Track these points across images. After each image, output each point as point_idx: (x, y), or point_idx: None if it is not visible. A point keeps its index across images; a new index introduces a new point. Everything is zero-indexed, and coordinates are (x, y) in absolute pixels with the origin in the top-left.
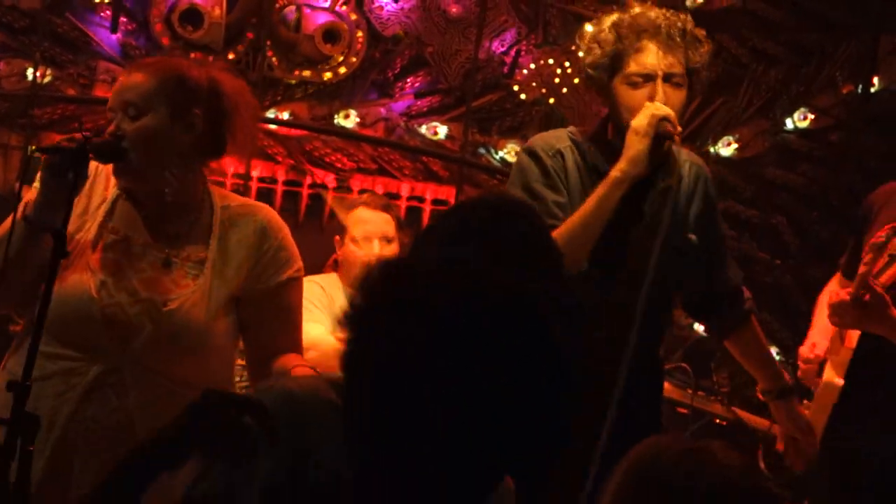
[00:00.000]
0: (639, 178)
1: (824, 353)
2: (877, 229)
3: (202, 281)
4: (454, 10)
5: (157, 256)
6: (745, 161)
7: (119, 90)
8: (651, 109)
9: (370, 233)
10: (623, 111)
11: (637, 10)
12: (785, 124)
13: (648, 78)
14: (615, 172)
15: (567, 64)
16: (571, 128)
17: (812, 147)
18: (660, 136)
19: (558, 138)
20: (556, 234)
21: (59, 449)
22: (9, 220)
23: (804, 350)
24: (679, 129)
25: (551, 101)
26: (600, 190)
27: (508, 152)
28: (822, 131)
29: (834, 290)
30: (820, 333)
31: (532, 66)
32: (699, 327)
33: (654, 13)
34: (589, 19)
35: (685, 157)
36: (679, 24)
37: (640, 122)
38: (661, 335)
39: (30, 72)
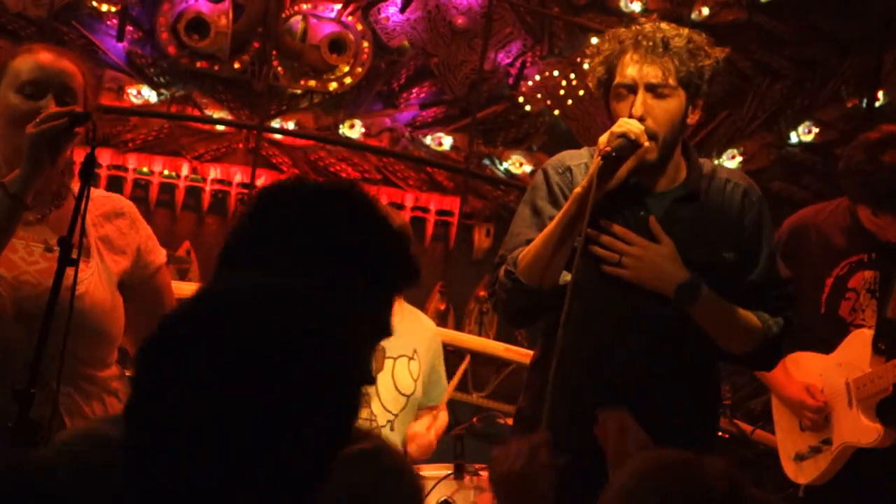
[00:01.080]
0: (602, 193)
1: (825, 395)
2: (823, 264)
3: (94, 264)
4: (460, 21)
5: (35, 245)
6: (750, 174)
7: (58, 73)
8: (614, 126)
9: None
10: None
11: (635, 24)
12: (789, 138)
13: (630, 89)
14: (577, 189)
15: (572, 76)
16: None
17: (816, 160)
18: (617, 150)
19: (573, 156)
20: (525, 249)
21: None
22: None
23: (806, 398)
24: (646, 142)
25: (556, 112)
26: (565, 205)
27: (513, 163)
28: (827, 145)
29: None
30: (787, 374)
31: (537, 77)
32: None
33: (645, 26)
34: (594, 31)
35: (734, 178)
36: (664, 34)
37: (602, 138)
38: (698, 361)
39: None
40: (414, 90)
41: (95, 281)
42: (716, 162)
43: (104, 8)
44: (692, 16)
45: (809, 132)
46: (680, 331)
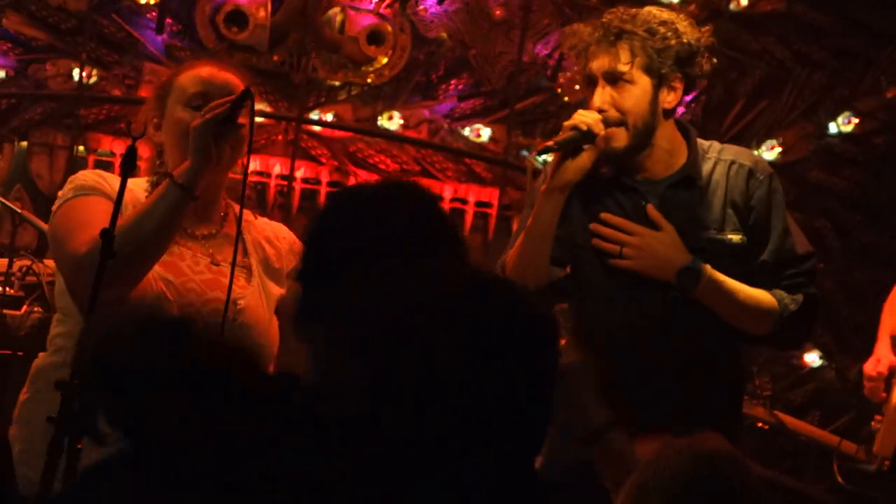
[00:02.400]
0: (567, 187)
1: (888, 369)
2: None
3: (255, 282)
4: (498, 12)
5: (202, 257)
6: (789, 165)
7: (220, 84)
8: (568, 122)
9: None
10: None
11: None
12: (829, 128)
13: (593, 81)
14: (543, 185)
15: None
16: None
17: (856, 151)
18: (559, 143)
19: None
20: (511, 250)
21: None
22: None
23: (868, 367)
24: (600, 130)
25: None
26: (536, 203)
27: (551, 155)
28: (866, 135)
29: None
30: (886, 347)
31: (575, 68)
32: None
33: (605, 15)
34: None
35: (740, 159)
36: (616, 22)
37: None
38: (716, 346)
39: (76, 72)
40: (452, 82)
41: (256, 299)
42: (756, 153)
43: (143, 0)
44: (731, 6)
45: (849, 122)
46: (693, 316)
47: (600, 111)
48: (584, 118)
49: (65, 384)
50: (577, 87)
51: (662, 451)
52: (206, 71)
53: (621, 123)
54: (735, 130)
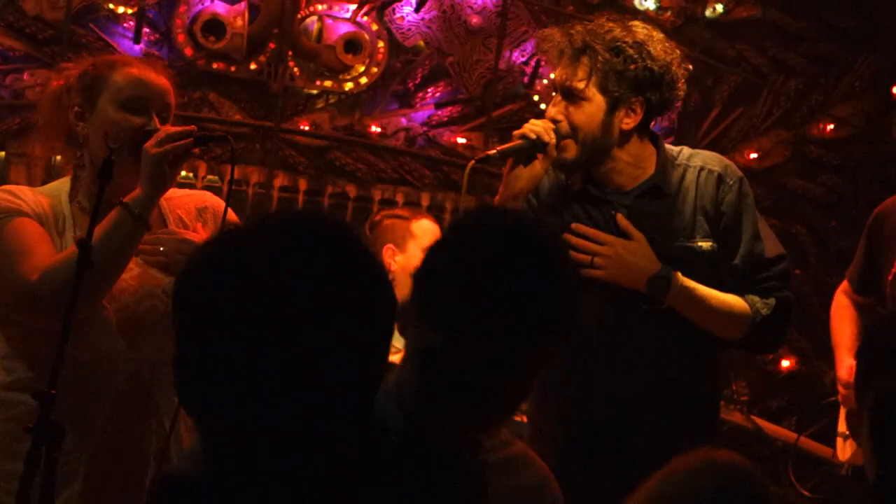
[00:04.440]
0: (521, 195)
1: None
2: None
3: None
4: (475, 20)
5: None
6: (765, 171)
7: (160, 92)
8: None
9: None
10: None
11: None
12: (805, 134)
13: (554, 90)
14: (497, 195)
15: None
16: None
17: (832, 157)
18: (502, 152)
19: None
20: None
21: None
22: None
23: (843, 373)
24: (549, 139)
25: None
26: None
27: None
28: (842, 141)
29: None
30: (849, 352)
31: (552, 76)
32: None
33: (577, 26)
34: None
35: (708, 165)
36: (583, 37)
37: None
38: (691, 356)
39: (54, 84)
40: (429, 89)
41: None
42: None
43: (121, 10)
44: (706, 12)
45: (825, 128)
46: (667, 326)
47: (554, 121)
48: (534, 127)
49: (42, 393)
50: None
51: (677, 467)
52: (144, 73)
53: (571, 136)
54: (711, 137)
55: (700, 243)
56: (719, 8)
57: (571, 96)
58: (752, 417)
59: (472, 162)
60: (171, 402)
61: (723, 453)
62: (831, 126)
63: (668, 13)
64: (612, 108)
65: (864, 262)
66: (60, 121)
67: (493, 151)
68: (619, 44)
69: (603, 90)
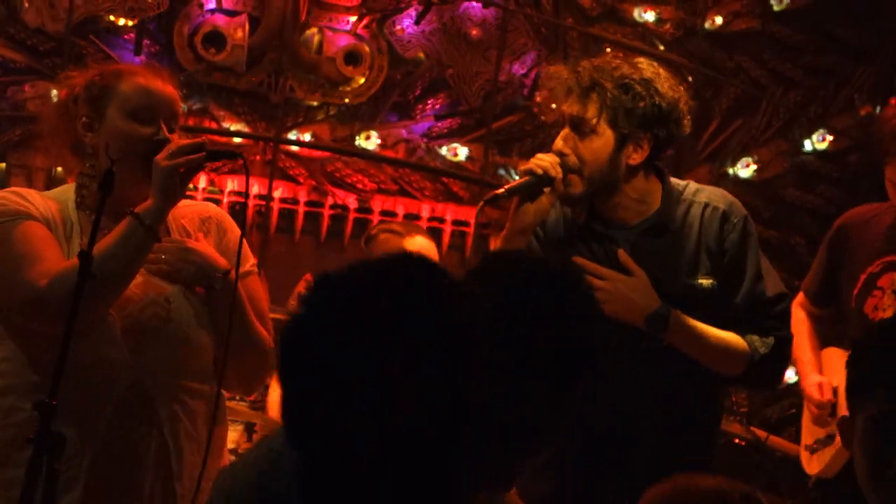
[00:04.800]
0: (529, 230)
1: (832, 392)
2: (861, 261)
3: None
4: (474, 32)
5: None
6: (764, 182)
7: (168, 101)
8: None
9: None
10: None
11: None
12: (803, 146)
13: (562, 123)
14: (504, 230)
15: None
16: None
17: (830, 168)
18: (510, 190)
19: None
20: None
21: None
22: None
23: (813, 393)
24: (556, 174)
25: None
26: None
27: None
28: (841, 153)
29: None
30: (813, 366)
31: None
32: None
33: (583, 63)
34: (608, 41)
35: (712, 201)
36: (592, 74)
37: None
38: (691, 390)
39: (54, 94)
40: (429, 101)
41: (179, 294)
42: (730, 171)
43: (121, 22)
44: (706, 24)
45: (823, 140)
46: (667, 360)
47: (560, 154)
48: (541, 161)
49: (42, 404)
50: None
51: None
52: (151, 82)
53: (577, 171)
54: (711, 148)
55: (702, 281)
56: (718, 20)
57: (582, 130)
58: (752, 429)
59: (481, 204)
60: (172, 411)
61: (703, 479)
62: (830, 137)
63: (668, 25)
64: (620, 143)
65: (823, 274)
66: (67, 131)
67: (502, 191)
68: (627, 81)
69: (613, 126)
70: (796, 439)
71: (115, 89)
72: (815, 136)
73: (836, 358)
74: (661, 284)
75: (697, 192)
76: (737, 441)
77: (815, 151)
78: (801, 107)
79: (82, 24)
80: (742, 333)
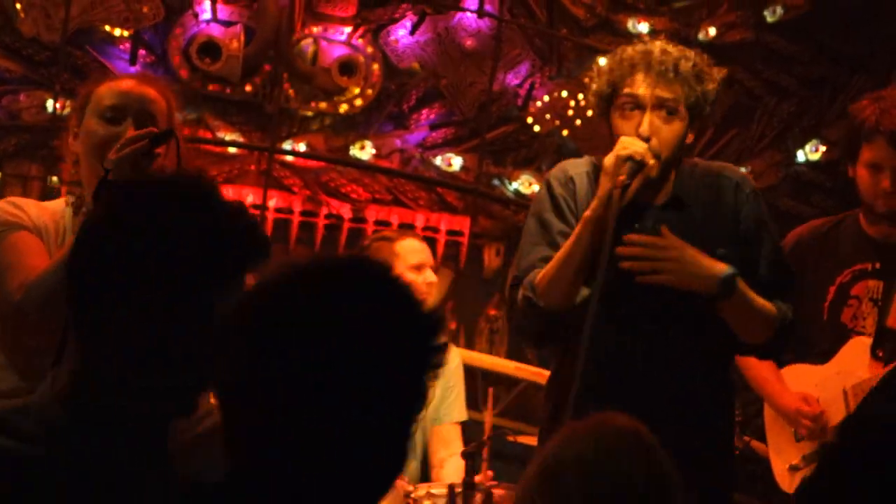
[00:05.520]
0: (613, 217)
1: (817, 402)
2: (829, 271)
3: None
4: (469, 43)
5: None
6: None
7: (137, 98)
8: (618, 148)
9: (424, 261)
10: (615, 140)
11: (642, 44)
12: (797, 156)
13: (637, 106)
14: (587, 212)
15: (581, 96)
16: (597, 156)
17: (824, 178)
18: (630, 177)
19: (575, 165)
20: (542, 273)
21: None
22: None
23: (804, 407)
24: (651, 161)
25: (565, 132)
26: (576, 229)
27: (522, 183)
28: (834, 163)
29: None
30: (783, 384)
31: (546, 98)
32: None
33: (653, 47)
34: (603, 53)
35: (725, 172)
36: (674, 58)
37: (608, 161)
38: (708, 359)
39: (50, 104)
40: (424, 111)
41: None
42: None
43: (117, 32)
44: (699, 36)
45: (817, 150)
46: (700, 327)
47: (646, 139)
48: (637, 148)
49: None
50: (549, 115)
51: (564, 434)
52: (125, 84)
53: (658, 155)
54: (705, 158)
55: (718, 250)
56: (712, 31)
57: (666, 112)
58: (745, 438)
59: (618, 192)
60: None
61: (611, 416)
62: (824, 148)
63: (662, 36)
64: (689, 126)
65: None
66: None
67: (624, 179)
68: (701, 68)
69: (690, 109)
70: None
71: (92, 95)
72: (808, 147)
73: (804, 372)
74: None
75: (708, 168)
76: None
77: (808, 162)
78: (794, 117)
79: (78, 34)
80: (769, 299)
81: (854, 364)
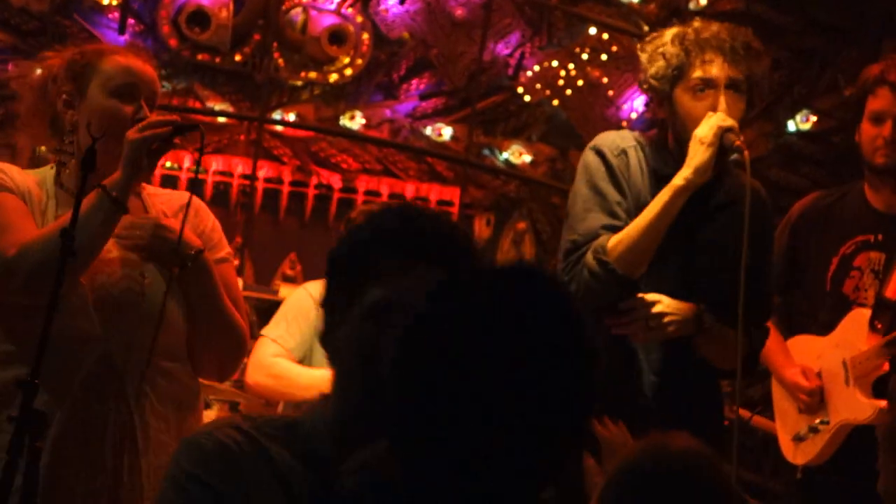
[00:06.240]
0: (700, 187)
1: (817, 377)
2: (832, 242)
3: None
4: (459, 12)
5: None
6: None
7: (149, 80)
8: (716, 120)
9: None
10: (686, 120)
11: (698, 23)
12: (787, 126)
13: (710, 86)
14: (679, 180)
15: (571, 66)
16: (637, 132)
17: (814, 149)
18: (724, 147)
19: (623, 137)
20: (618, 237)
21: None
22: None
23: (800, 380)
24: (742, 138)
25: (555, 102)
26: (663, 196)
27: (512, 153)
28: (825, 133)
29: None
30: (787, 356)
31: (536, 68)
32: None
33: (716, 27)
34: (592, 21)
35: (742, 178)
36: (741, 38)
37: (704, 131)
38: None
39: (38, 73)
40: (414, 81)
41: (155, 272)
42: None
43: (105, 1)
44: (690, 5)
45: (807, 121)
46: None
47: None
48: (733, 122)
49: (25, 383)
50: (540, 85)
51: (632, 452)
52: (130, 60)
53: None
54: None
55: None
56: (702, 1)
57: (736, 92)
58: (735, 408)
59: (737, 155)
60: (139, 386)
61: (676, 439)
62: (814, 118)
63: (653, 6)
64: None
65: (785, 260)
66: (45, 110)
67: (739, 144)
68: (754, 42)
69: (751, 86)
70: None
71: (98, 67)
72: (798, 117)
73: (807, 344)
74: (725, 252)
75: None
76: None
77: (798, 132)
78: (785, 87)
79: (66, 4)
80: (755, 318)
81: (854, 335)
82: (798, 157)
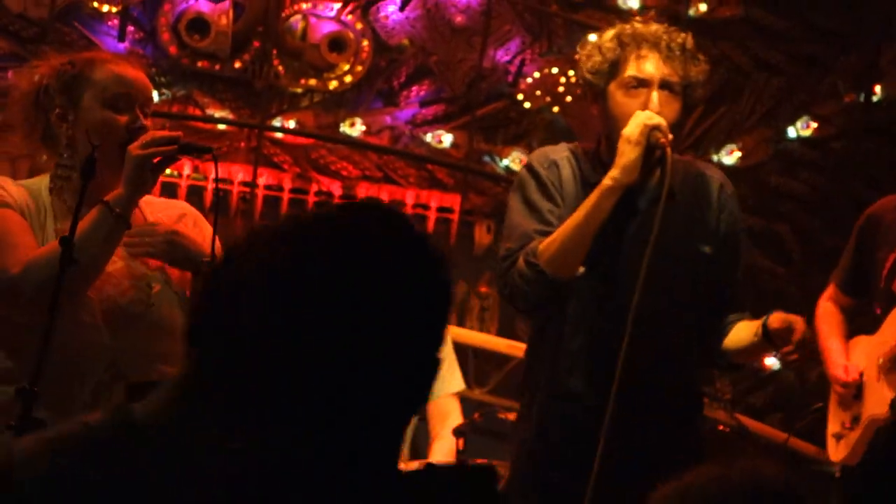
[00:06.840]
0: (630, 186)
1: (858, 375)
2: (890, 242)
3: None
4: (459, 19)
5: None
6: (748, 169)
7: (143, 87)
8: (642, 118)
9: None
10: (617, 117)
11: (638, 22)
12: (787, 133)
13: (643, 84)
14: (606, 181)
15: (571, 73)
16: (574, 143)
17: (814, 155)
18: (651, 145)
19: (555, 150)
20: (548, 240)
21: None
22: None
23: (840, 373)
24: (670, 137)
25: (555, 109)
26: (592, 198)
27: (513, 160)
28: (825, 140)
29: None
30: (841, 354)
31: (536, 74)
32: None
33: (655, 26)
34: (593, 29)
35: (707, 171)
36: (679, 39)
37: (631, 130)
38: (690, 353)
39: (27, 83)
40: (414, 88)
41: (160, 274)
42: (714, 158)
43: (105, 8)
44: (689, 12)
45: (807, 127)
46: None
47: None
48: (661, 120)
49: (24, 390)
50: (540, 92)
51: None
52: (121, 69)
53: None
54: (695, 135)
55: (702, 248)
56: (702, 7)
57: (670, 92)
58: (736, 416)
59: (660, 152)
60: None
61: (762, 464)
62: (814, 124)
63: (652, 13)
64: (684, 106)
65: (853, 263)
66: (37, 120)
67: (665, 142)
68: (697, 53)
69: (685, 90)
70: (781, 426)
71: (90, 78)
72: (799, 123)
73: (863, 344)
74: (677, 247)
75: (689, 161)
76: (721, 428)
77: (799, 138)
78: (785, 94)
79: (66, 10)
80: (727, 312)
81: (892, 334)
82: (798, 164)
